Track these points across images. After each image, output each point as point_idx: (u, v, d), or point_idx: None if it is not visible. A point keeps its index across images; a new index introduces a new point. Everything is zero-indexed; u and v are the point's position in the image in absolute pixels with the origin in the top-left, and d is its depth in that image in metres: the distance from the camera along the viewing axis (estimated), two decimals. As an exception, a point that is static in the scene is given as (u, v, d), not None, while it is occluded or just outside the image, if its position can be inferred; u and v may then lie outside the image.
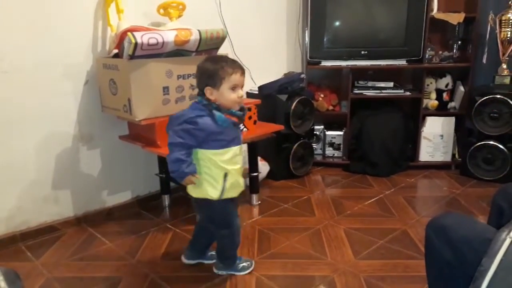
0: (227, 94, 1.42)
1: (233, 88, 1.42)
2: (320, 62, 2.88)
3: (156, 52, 1.88)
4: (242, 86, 1.46)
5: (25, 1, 1.86)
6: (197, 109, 1.44)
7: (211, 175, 1.49)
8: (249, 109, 2.29)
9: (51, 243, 2.01)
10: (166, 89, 1.95)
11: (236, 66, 1.43)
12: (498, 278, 0.83)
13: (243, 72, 1.45)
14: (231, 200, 1.59)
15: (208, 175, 1.50)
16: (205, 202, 1.54)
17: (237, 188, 1.57)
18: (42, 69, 1.95)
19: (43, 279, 1.71)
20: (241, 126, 1.61)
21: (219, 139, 1.46)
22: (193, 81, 2.02)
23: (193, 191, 1.55)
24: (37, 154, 2.01)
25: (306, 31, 2.86)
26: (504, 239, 0.87)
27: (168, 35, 1.88)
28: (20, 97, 1.92)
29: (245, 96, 1.47)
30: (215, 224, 1.64)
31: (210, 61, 1.44)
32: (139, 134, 2.11)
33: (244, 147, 2.52)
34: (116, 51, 1.98)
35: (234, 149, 1.51)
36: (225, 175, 1.49)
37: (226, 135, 1.47)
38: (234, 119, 1.48)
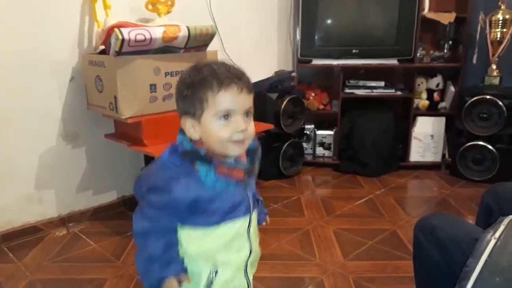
0: (215, 129, 0.81)
1: (225, 116, 0.81)
2: (311, 61, 2.86)
3: (144, 49, 1.85)
4: (246, 112, 0.83)
5: (8, -5, 1.82)
6: (170, 165, 0.84)
7: (190, 269, 0.88)
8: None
9: (34, 244, 1.96)
10: (153, 87, 1.91)
11: (230, 77, 0.80)
12: (483, 279, 0.82)
13: (244, 87, 0.81)
14: None
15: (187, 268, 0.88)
16: None
17: None
18: (26, 66, 1.91)
19: (26, 281, 1.67)
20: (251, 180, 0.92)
21: (209, 211, 0.84)
22: (181, 79, 2.00)
23: None
24: (21, 153, 1.97)
25: (297, 29, 2.84)
26: (489, 240, 0.87)
27: (156, 31, 1.85)
28: (2, 95, 1.87)
29: (244, 127, 0.82)
30: None
31: (191, 70, 0.84)
32: (126, 132, 2.07)
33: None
34: (102, 47, 1.94)
35: (237, 225, 0.88)
36: (214, 272, 0.88)
37: (222, 202, 0.85)
38: (237, 175, 0.85)
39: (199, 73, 0.81)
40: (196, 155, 0.83)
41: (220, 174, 0.83)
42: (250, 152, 0.88)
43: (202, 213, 0.84)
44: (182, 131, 0.86)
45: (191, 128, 0.83)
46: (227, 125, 0.81)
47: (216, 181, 0.82)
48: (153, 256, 0.84)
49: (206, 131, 0.82)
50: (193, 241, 0.87)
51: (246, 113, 0.83)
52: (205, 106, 0.80)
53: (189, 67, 0.85)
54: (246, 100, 0.82)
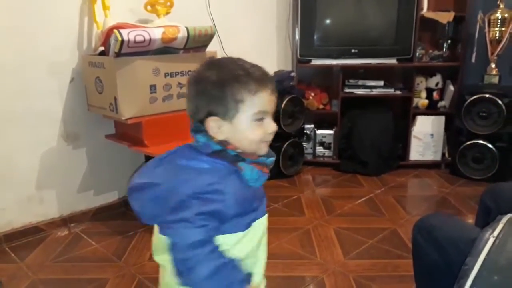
0: (249, 131, 0.78)
1: (260, 118, 0.79)
2: (310, 61, 2.87)
3: (143, 50, 1.86)
4: (272, 114, 0.82)
5: (8, -3, 1.82)
6: (210, 163, 0.79)
7: None
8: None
9: (36, 244, 1.97)
10: (153, 87, 1.92)
11: (264, 77, 0.79)
12: (482, 277, 0.83)
13: (274, 87, 0.81)
14: None
15: None
16: None
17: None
18: (26, 67, 1.91)
19: (28, 281, 1.68)
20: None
21: (249, 211, 0.82)
22: (181, 79, 2.01)
23: None
24: (22, 154, 1.97)
25: (296, 29, 2.84)
26: (488, 239, 0.88)
27: (155, 32, 1.85)
28: (3, 96, 1.87)
29: (275, 129, 0.83)
30: None
31: (213, 66, 0.80)
32: (126, 133, 2.07)
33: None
34: (102, 48, 1.95)
35: (264, 223, 0.88)
36: (249, 277, 0.85)
37: (257, 199, 0.85)
38: (266, 171, 0.85)
39: (228, 69, 0.77)
40: (228, 155, 0.79)
41: (258, 168, 0.81)
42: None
43: (243, 214, 0.80)
44: (200, 132, 0.80)
45: (215, 128, 0.78)
46: (259, 126, 0.79)
47: (258, 178, 0.81)
48: (221, 264, 0.75)
49: (238, 132, 0.78)
50: (227, 249, 0.80)
51: (272, 114, 0.82)
52: (240, 107, 0.76)
53: (207, 63, 0.81)
54: (274, 101, 0.81)
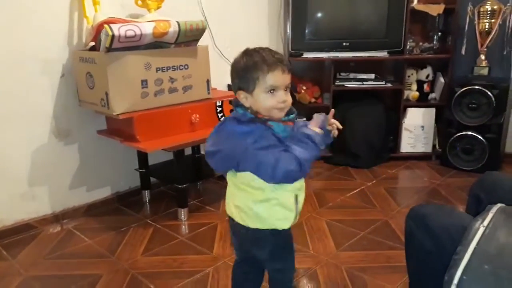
0: (263, 100, 1.08)
1: (271, 90, 1.07)
2: (302, 54, 2.87)
3: (134, 45, 1.85)
4: (286, 87, 1.09)
5: (-5, -8, 1.80)
6: (253, 128, 1.07)
7: (280, 202, 1.13)
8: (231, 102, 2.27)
9: (28, 241, 1.96)
10: (144, 82, 1.91)
11: (275, 62, 1.07)
12: (472, 267, 0.84)
13: (286, 68, 1.08)
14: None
15: (277, 202, 1.13)
16: (269, 234, 1.16)
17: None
18: (16, 63, 1.89)
19: (20, 278, 1.67)
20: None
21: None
22: (173, 74, 2.00)
23: (253, 221, 1.15)
24: (13, 151, 1.96)
25: (288, 23, 2.84)
26: (478, 228, 0.89)
27: (146, 27, 1.84)
28: (-8, 92, 1.86)
29: (285, 99, 1.09)
30: (275, 259, 1.25)
31: (244, 55, 1.11)
32: (118, 128, 2.06)
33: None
34: (92, 43, 1.93)
35: None
36: (296, 197, 1.15)
37: (291, 139, 1.13)
38: (289, 124, 1.13)
39: (251, 58, 1.07)
40: (259, 119, 1.09)
41: (284, 123, 1.11)
42: (290, 112, 1.13)
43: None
44: (238, 106, 1.11)
45: (243, 99, 1.10)
46: (272, 97, 1.07)
47: (284, 129, 1.10)
48: (301, 157, 1.07)
49: (256, 102, 1.08)
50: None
51: (286, 88, 1.09)
52: (257, 84, 1.06)
53: (242, 52, 1.11)
54: (286, 78, 1.09)
